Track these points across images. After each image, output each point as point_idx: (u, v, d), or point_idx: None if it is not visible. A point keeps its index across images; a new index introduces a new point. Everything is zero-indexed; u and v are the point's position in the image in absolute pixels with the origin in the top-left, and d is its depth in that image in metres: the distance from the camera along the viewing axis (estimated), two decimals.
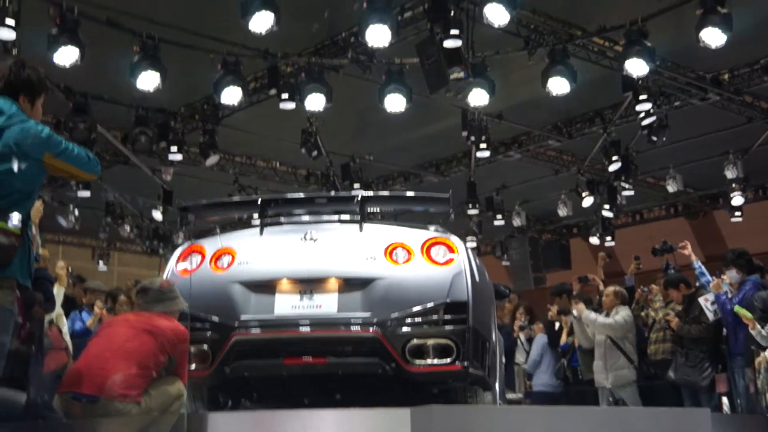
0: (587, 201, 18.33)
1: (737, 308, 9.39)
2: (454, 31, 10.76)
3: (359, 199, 6.31)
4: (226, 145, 16.18)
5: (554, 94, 12.36)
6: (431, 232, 6.16)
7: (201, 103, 15.06)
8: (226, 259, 6.14)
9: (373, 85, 12.94)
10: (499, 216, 19.93)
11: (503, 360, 9.33)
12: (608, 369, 11.19)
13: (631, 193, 18.20)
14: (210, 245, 6.38)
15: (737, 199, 18.12)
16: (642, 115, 14.09)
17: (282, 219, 6.51)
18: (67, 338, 9.10)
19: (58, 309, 8.66)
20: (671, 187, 18.46)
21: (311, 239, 6.08)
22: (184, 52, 12.18)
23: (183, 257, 6.43)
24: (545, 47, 12.26)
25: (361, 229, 6.15)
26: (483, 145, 14.78)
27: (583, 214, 20.53)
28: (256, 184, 18.52)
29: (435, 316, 5.74)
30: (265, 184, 18.56)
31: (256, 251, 6.11)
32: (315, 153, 15.05)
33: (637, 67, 11.72)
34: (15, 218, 4.51)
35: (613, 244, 20.90)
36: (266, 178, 18.42)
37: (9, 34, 10.36)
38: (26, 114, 4.77)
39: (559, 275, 21.09)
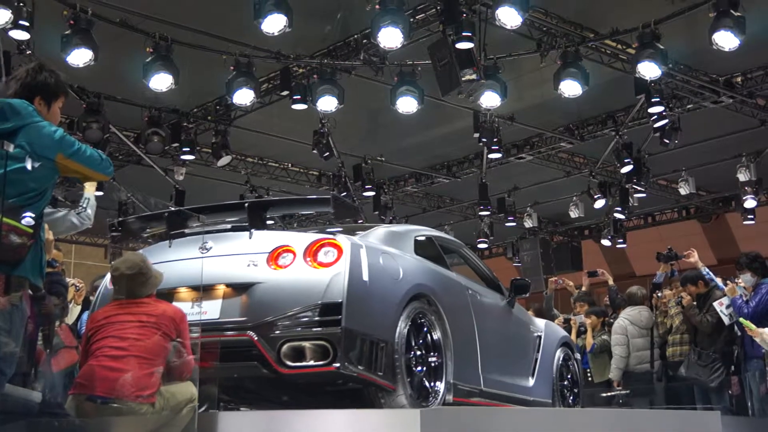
0: (599, 203, 18.33)
1: (743, 320, 9.39)
2: (466, 33, 10.79)
3: (247, 206, 6.39)
4: (238, 146, 16.23)
5: (566, 96, 12.37)
6: (319, 234, 6.15)
7: (213, 104, 15.12)
8: None
9: (385, 86, 12.98)
10: (510, 218, 19.91)
11: (555, 356, 8.91)
12: None
13: (643, 195, 18.23)
14: None
15: (750, 202, 18.07)
16: (654, 117, 14.06)
17: (186, 231, 6.58)
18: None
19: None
20: (683, 190, 18.44)
21: (206, 248, 6.20)
22: (197, 53, 12.24)
23: None
24: (557, 49, 12.27)
25: (250, 236, 6.20)
26: (495, 147, 14.80)
27: (595, 216, 20.54)
28: (268, 184, 18.58)
29: (308, 318, 5.71)
30: (277, 185, 18.61)
31: (161, 263, 6.22)
32: (327, 154, 15.08)
33: (649, 70, 11.72)
34: (28, 217, 4.54)
35: (624, 245, 20.89)
36: (278, 179, 18.46)
37: (23, 35, 10.45)
38: (42, 116, 4.80)
39: (570, 277, 21.05)
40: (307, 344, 5.69)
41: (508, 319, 8.28)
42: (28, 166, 4.56)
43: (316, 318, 5.72)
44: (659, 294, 11.67)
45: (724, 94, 14.49)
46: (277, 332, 5.74)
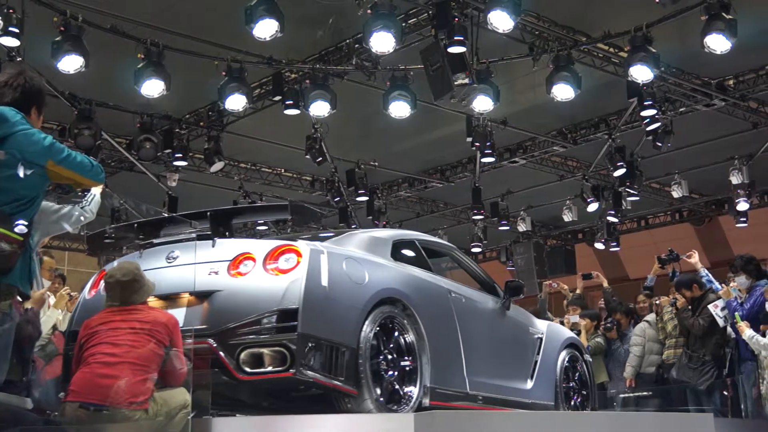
0: (592, 206, 18.34)
1: (737, 315, 9.44)
2: (458, 37, 10.80)
3: (209, 215, 6.42)
4: (231, 152, 16.22)
5: (559, 100, 12.38)
6: (279, 240, 6.16)
7: (206, 110, 15.10)
8: None
9: (378, 91, 12.98)
10: (504, 221, 19.92)
11: (559, 358, 8.72)
12: None
13: (636, 198, 18.23)
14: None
15: (742, 205, 18.05)
16: (647, 120, 14.07)
17: (154, 241, 6.60)
18: None
19: (58, 314, 8.65)
20: (676, 193, 18.48)
21: (173, 258, 6.27)
22: (189, 59, 12.22)
23: (95, 283, 6.67)
24: (550, 53, 12.27)
25: (213, 244, 6.23)
26: (488, 151, 14.79)
27: (588, 219, 20.54)
28: (261, 190, 18.55)
29: (266, 325, 5.74)
30: (270, 190, 18.58)
31: None
32: (320, 159, 15.06)
33: (642, 73, 11.74)
34: (18, 225, 4.52)
35: (618, 249, 20.89)
36: (271, 185, 18.45)
37: (13, 42, 10.41)
38: (32, 122, 4.78)
39: (564, 280, 21.09)
40: (265, 351, 5.72)
41: (500, 322, 8.19)
42: (20, 174, 4.54)
43: (274, 324, 5.74)
44: (657, 302, 11.69)
45: (717, 97, 14.51)
46: (236, 339, 5.76)
